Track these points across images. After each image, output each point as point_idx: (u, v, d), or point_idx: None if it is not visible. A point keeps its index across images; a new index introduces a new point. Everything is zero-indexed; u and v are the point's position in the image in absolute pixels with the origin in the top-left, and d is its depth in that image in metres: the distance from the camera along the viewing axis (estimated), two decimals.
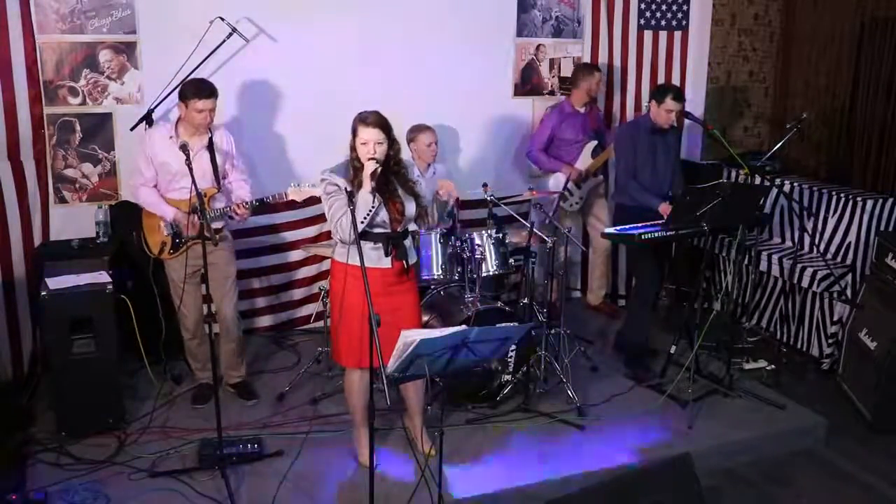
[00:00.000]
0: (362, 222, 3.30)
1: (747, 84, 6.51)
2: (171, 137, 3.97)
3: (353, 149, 3.39)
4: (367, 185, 3.31)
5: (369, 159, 3.31)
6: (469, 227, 4.73)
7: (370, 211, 3.32)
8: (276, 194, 4.01)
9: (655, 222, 4.40)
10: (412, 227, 3.58)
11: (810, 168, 6.15)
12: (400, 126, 3.44)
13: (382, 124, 3.35)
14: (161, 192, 4.06)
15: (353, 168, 3.40)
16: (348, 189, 3.28)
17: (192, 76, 4.33)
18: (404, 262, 3.51)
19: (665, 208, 4.53)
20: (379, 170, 3.33)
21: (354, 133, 3.37)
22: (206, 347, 4.12)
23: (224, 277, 4.16)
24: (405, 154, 3.62)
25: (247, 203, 4.01)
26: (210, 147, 4.04)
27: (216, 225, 4.09)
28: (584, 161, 5.35)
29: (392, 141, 3.40)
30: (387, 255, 3.44)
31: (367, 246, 3.39)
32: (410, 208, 3.48)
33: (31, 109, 4.45)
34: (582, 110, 5.40)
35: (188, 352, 4.37)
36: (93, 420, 3.88)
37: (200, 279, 3.90)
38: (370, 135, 3.32)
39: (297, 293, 5.34)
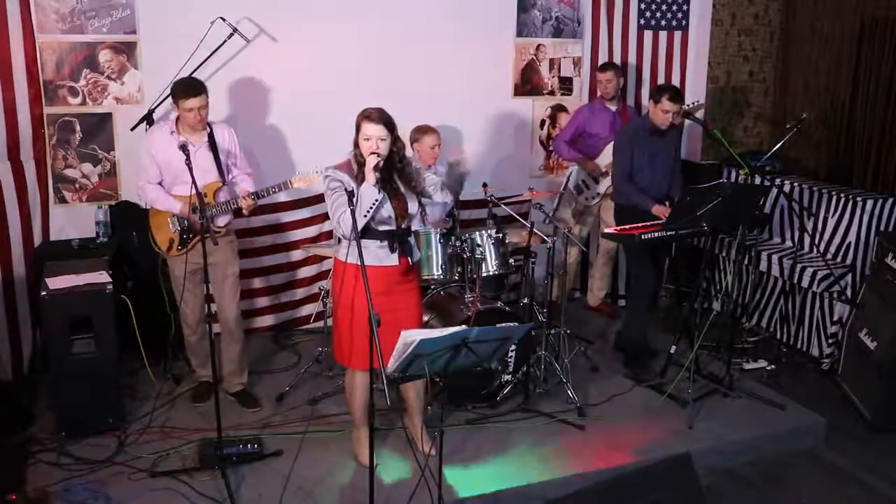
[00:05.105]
0: (365, 216, 3.30)
1: (747, 84, 6.51)
2: (171, 133, 3.97)
3: (356, 145, 3.39)
4: (371, 178, 3.31)
5: (371, 154, 3.32)
6: (469, 227, 4.73)
7: (373, 204, 3.31)
8: (280, 183, 4.03)
9: (656, 222, 4.41)
10: (414, 226, 3.58)
11: (810, 168, 6.15)
12: (400, 126, 3.44)
13: (386, 121, 3.34)
14: (166, 189, 4.06)
15: (356, 164, 3.41)
16: (348, 189, 3.29)
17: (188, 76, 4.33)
18: (409, 258, 3.52)
19: (658, 209, 4.53)
20: (381, 163, 3.33)
21: (358, 129, 3.37)
22: (206, 343, 4.11)
23: (224, 277, 4.16)
24: (406, 153, 3.62)
25: (252, 194, 4.02)
26: (211, 142, 4.04)
27: (223, 220, 4.10)
28: (607, 157, 5.34)
29: (395, 138, 3.40)
30: (392, 251, 3.45)
31: (373, 244, 3.40)
32: (413, 206, 3.49)
33: (31, 109, 4.45)
34: (613, 108, 5.41)
35: (188, 348, 4.36)
36: (93, 420, 3.88)
37: (202, 277, 3.90)
38: (374, 131, 3.32)
39: (298, 293, 5.34)
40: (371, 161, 3.31)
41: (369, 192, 3.31)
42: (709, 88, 6.19)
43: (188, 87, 3.92)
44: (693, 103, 5.29)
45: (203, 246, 3.51)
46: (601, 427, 4.13)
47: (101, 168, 4.72)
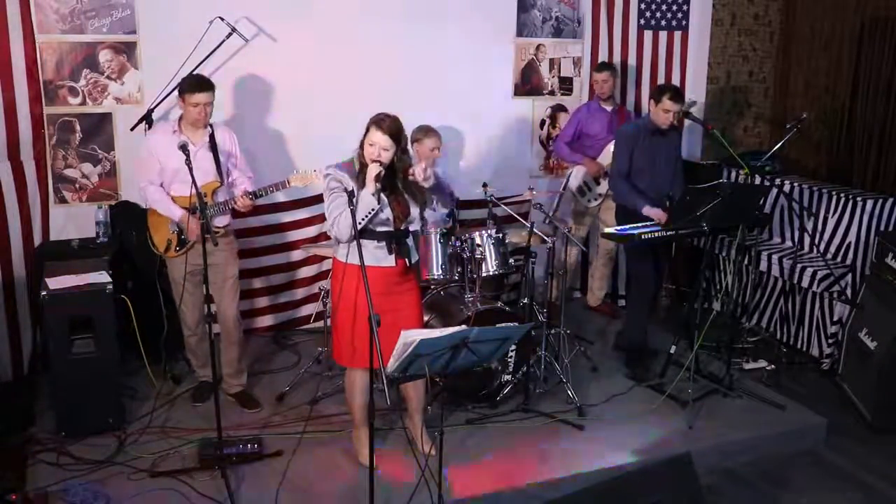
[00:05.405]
0: (361, 222, 3.29)
1: (747, 84, 6.51)
2: (174, 132, 3.98)
3: (361, 146, 3.39)
4: (371, 186, 3.31)
5: (373, 161, 3.31)
6: (469, 227, 4.73)
7: (370, 213, 3.32)
8: (277, 182, 4.02)
9: (656, 222, 4.40)
10: (413, 227, 3.58)
11: (810, 168, 6.15)
12: None
13: (394, 132, 3.33)
14: (165, 187, 4.06)
15: (358, 163, 3.41)
16: (348, 189, 3.29)
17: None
18: (406, 259, 3.52)
19: (649, 211, 4.50)
20: (382, 173, 3.33)
21: (366, 132, 3.36)
22: (206, 345, 4.11)
23: (224, 279, 4.16)
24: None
25: (249, 193, 4.02)
26: (212, 143, 4.04)
27: (221, 221, 4.10)
28: (607, 158, 5.33)
29: (402, 150, 3.40)
30: (389, 252, 3.44)
31: (370, 245, 3.40)
32: (414, 210, 3.50)
33: (31, 109, 4.46)
34: (609, 108, 5.42)
35: (188, 348, 4.36)
36: (93, 420, 3.88)
37: (202, 278, 3.89)
38: (379, 139, 3.32)
39: (298, 293, 5.34)
40: (373, 170, 3.30)
41: (367, 200, 3.30)
42: (709, 88, 6.20)
43: (196, 83, 3.96)
44: (688, 102, 5.30)
45: (203, 246, 3.51)
46: (601, 427, 4.13)
47: (101, 168, 4.72)
